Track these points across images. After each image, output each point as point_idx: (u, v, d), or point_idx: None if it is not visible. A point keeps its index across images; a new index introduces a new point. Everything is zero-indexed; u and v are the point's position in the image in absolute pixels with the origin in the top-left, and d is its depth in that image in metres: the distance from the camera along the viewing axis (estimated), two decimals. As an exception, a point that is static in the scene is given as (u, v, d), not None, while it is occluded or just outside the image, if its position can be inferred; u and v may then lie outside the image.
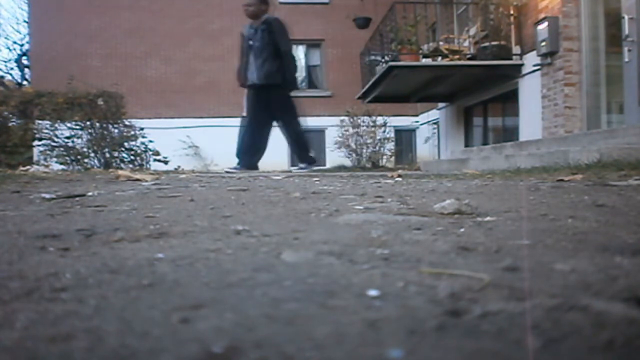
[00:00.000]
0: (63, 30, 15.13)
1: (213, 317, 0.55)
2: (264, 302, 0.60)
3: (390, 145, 13.07)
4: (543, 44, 7.53)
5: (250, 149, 6.53)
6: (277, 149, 14.67)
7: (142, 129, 9.88)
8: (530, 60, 8.19)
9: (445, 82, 9.75)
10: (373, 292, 0.64)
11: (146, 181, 3.37)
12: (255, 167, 6.56)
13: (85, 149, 9.39)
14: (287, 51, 6.47)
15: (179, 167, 9.30)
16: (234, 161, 6.66)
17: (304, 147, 6.58)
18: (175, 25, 15.33)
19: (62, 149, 9.42)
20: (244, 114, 6.68)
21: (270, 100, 6.41)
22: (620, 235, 1.06)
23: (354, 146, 12.59)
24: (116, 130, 9.59)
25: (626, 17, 6.21)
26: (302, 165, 6.53)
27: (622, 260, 0.81)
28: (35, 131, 9.67)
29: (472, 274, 0.72)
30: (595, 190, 2.23)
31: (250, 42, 6.46)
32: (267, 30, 6.39)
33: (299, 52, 16.36)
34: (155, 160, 9.90)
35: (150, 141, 9.90)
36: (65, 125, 9.37)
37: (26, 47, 22.61)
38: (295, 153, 6.84)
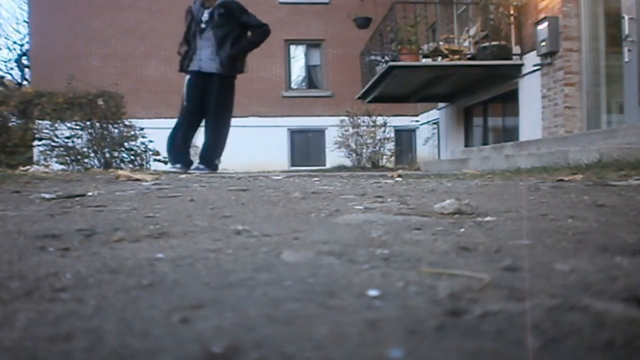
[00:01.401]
0: (63, 30, 15.13)
1: (213, 317, 0.55)
2: (264, 302, 0.60)
3: (390, 145, 13.08)
4: (543, 44, 7.54)
5: (187, 144, 6.02)
6: (277, 148, 14.84)
7: (142, 129, 9.88)
8: (530, 60, 8.19)
9: (445, 82, 9.76)
10: (373, 292, 0.64)
11: (146, 181, 3.37)
12: (191, 164, 6.01)
13: (85, 149, 9.39)
14: (259, 24, 6.01)
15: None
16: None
17: (218, 151, 6.02)
18: (175, 25, 15.26)
19: (62, 149, 9.42)
20: (185, 103, 6.07)
21: (213, 89, 5.89)
22: (620, 235, 1.06)
23: (354, 146, 12.59)
24: (116, 130, 9.59)
25: (626, 17, 6.21)
26: (200, 166, 5.90)
27: (622, 260, 0.81)
28: (35, 131, 9.68)
29: (472, 274, 0.72)
30: (595, 190, 2.23)
31: (203, 26, 5.95)
32: (225, 14, 5.89)
33: (299, 52, 16.38)
34: (155, 160, 9.90)
35: (150, 141, 9.90)
36: (65, 125, 9.37)
37: (26, 47, 22.64)
38: (204, 151, 6.08)
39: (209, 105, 6.01)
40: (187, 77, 6.09)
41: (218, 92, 5.97)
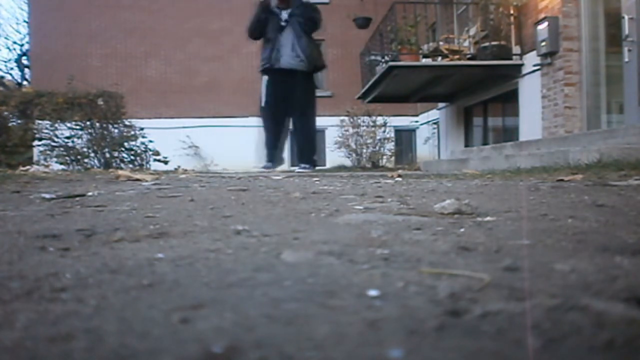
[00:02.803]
0: (63, 30, 15.14)
1: (213, 317, 0.55)
2: (264, 302, 0.60)
3: (390, 145, 13.08)
4: (543, 44, 7.54)
5: (280, 141, 6.23)
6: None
7: (142, 129, 9.89)
8: (530, 60, 8.19)
9: (445, 82, 9.76)
10: (373, 292, 0.64)
11: (146, 181, 3.37)
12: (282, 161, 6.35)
13: (85, 149, 9.40)
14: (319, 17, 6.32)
15: (179, 167, 9.31)
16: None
17: (314, 148, 6.22)
18: (175, 25, 15.32)
19: (62, 149, 9.43)
20: (265, 103, 6.14)
21: (299, 88, 6.03)
22: (620, 235, 1.06)
23: (354, 146, 12.60)
24: (116, 130, 9.60)
25: (626, 17, 6.21)
26: (304, 165, 6.13)
27: (622, 260, 0.81)
28: (35, 131, 9.69)
29: (472, 274, 0.72)
30: (595, 190, 2.23)
31: (283, 24, 6.12)
32: (304, 13, 6.13)
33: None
34: (155, 160, 9.91)
35: (150, 141, 9.91)
36: (65, 125, 9.39)
37: (26, 47, 22.64)
38: (301, 151, 6.31)
39: (295, 103, 6.12)
40: (266, 76, 6.17)
41: (303, 89, 6.10)
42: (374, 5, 12.87)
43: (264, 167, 5.99)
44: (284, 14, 6.15)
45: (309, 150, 6.19)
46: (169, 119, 14.89)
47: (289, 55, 5.99)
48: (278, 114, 6.11)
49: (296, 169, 6.18)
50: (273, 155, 6.14)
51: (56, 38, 15.09)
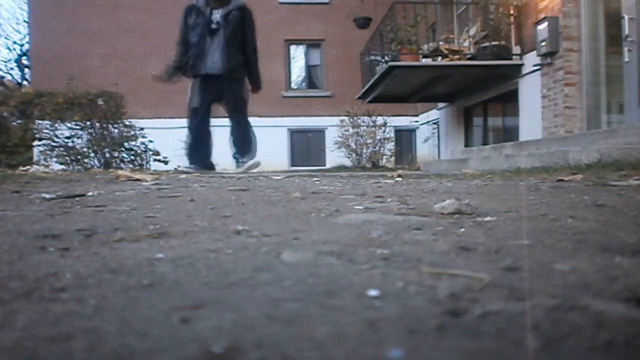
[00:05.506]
0: (63, 30, 15.13)
1: (213, 317, 0.55)
2: (264, 302, 0.60)
3: (390, 145, 13.07)
4: (543, 44, 7.54)
5: (204, 146, 6.08)
6: (277, 149, 14.80)
7: (142, 129, 9.88)
8: (530, 60, 8.19)
9: (445, 82, 9.76)
10: (373, 292, 0.64)
11: (146, 181, 3.37)
12: (213, 167, 6.14)
13: (85, 149, 9.39)
14: (255, 48, 6.10)
15: (179, 167, 9.30)
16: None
17: (253, 144, 6.08)
18: (176, 25, 15.29)
19: (62, 149, 9.42)
20: (195, 105, 6.00)
21: (229, 93, 5.95)
22: (620, 235, 1.06)
23: (354, 146, 12.59)
24: (116, 130, 9.59)
25: (626, 17, 6.21)
26: (245, 159, 5.98)
27: (622, 260, 0.81)
28: (35, 131, 9.68)
29: (472, 274, 0.72)
30: (595, 190, 2.23)
31: (214, 27, 5.92)
32: (240, 18, 5.89)
33: (299, 52, 16.38)
34: (155, 160, 9.90)
35: (151, 141, 9.90)
36: (65, 125, 9.38)
37: (26, 47, 22.64)
38: (236, 147, 6.14)
39: (229, 105, 6.05)
40: (195, 79, 6.05)
41: (234, 91, 5.98)
42: (374, 5, 12.87)
43: (187, 168, 5.96)
44: (216, 15, 5.94)
45: (248, 145, 6.07)
46: (169, 119, 14.85)
47: (215, 61, 5.87)
48: (205, 118, 6.03)
49: (239, 164, 6.08)
50: (195, 158, 6.05)
51: (56, 38, 15.08)
